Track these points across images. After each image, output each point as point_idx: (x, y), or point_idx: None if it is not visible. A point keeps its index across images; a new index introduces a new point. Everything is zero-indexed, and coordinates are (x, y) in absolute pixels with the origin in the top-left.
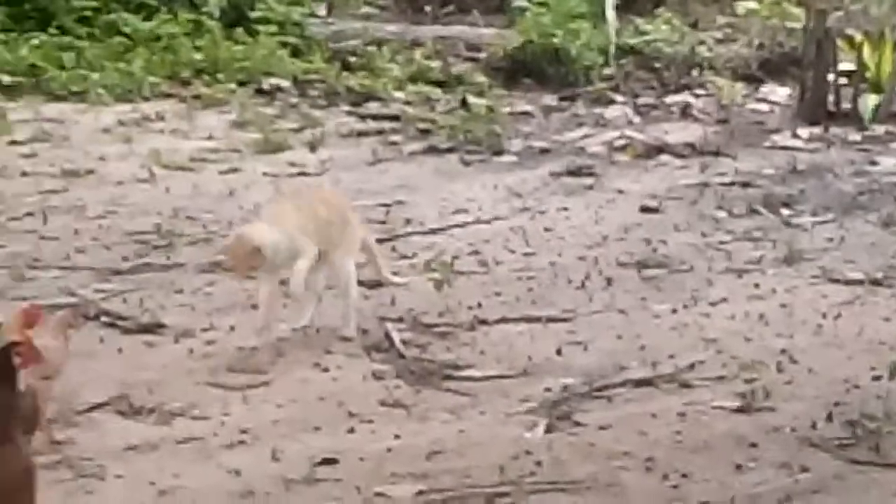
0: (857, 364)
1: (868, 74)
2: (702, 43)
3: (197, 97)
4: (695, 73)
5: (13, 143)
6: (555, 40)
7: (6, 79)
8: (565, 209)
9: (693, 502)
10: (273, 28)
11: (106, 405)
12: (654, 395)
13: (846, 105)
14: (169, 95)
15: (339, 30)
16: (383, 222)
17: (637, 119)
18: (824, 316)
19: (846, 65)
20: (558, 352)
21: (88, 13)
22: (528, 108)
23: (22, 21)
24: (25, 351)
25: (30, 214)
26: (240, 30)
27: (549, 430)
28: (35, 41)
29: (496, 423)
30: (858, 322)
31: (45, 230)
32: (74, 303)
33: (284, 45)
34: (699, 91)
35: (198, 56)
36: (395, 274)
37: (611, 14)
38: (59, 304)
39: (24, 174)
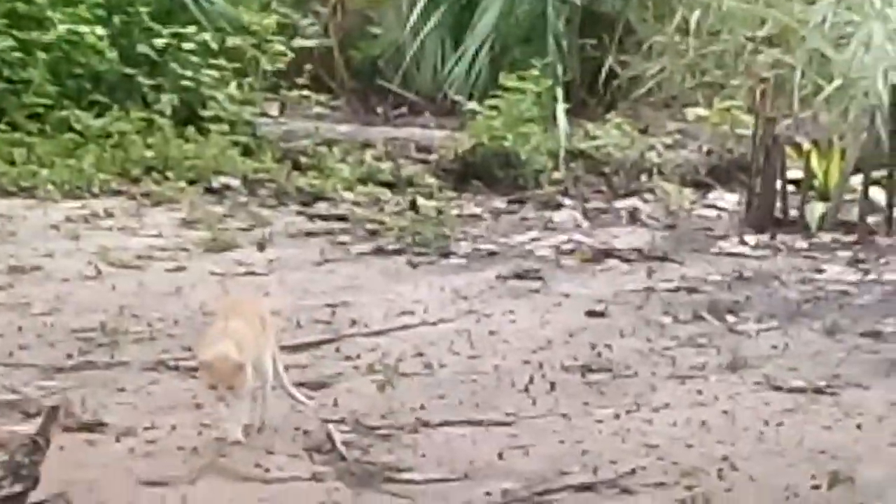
0: (797, 472)
1: (815, 182)
2: (651, 148)
3: (146, 195)
4: (644, 177)
5: None
6: (505, 143)
7: None
8: (511, 312)
9: None
10: (224, 127)
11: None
12: (595, 501)
13: (794, 212)
14: (118, 192)
15: (290, 130)
16: (329, 322)
17: (585, 223)
18: (766, 423)
19: (794, 172)
20: (500, 456)
21: (40, 109)
22: (477, 210)
23: None
24: None
25: None
26: (191, 128)
27: None
28: None
29: None
30: (800, 430)
31: None
32: (17, 400)
33: (235, 143)
34: (648, 196)
35: (148, 153)
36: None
37: (561, 118)
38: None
39: None
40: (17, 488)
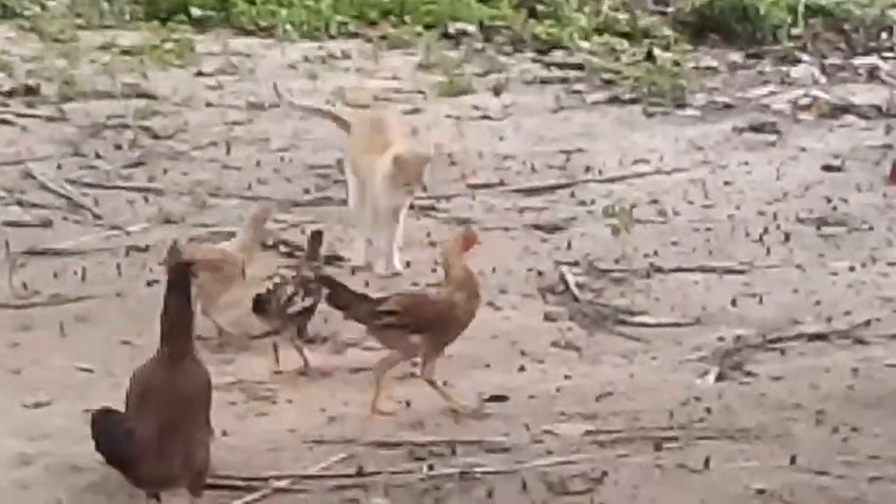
0: None
1: None
2: (893, 6)
3: (383, 38)
4: (884, 35)
5: (200, 74)
6: None
7: (196, 11)
8: (746, 164)
9: (862, 456)
10: None
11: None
12: (828, 350)
13: None
14: (355, 35)
15: None
16: (563, 168)
17: (823, 79)
18: None
19: None
20: (733, 303)
21: None
22: (713, 63)
23: None
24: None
25: (213, 144)
26: None
27: (720, 378)
28: None
29: (667, 368)
30: None
31: (228, 160)
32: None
33: None
34: (887, 54)
35: None
36: None
37: None
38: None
39: (210, 105)
40: (308, 302)
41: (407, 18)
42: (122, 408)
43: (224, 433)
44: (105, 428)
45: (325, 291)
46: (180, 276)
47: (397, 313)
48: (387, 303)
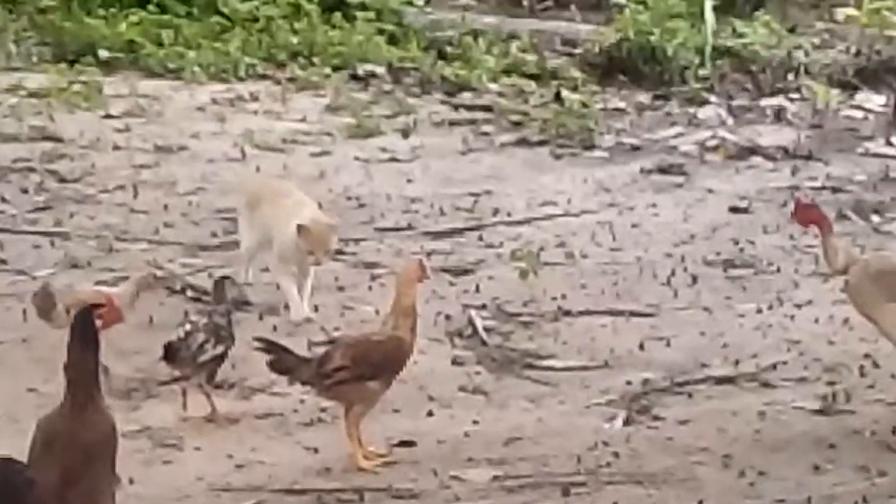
0: None
1: None
2: (799, 47)
3: (292, 80)
4: (790, 77)
5: (107, 116)
6: (651, 39)
7: (104, 53)
8: (654, 206)
9: (769, 500)
10: (371, 14)
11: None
12: (735, 394)
13: None
14: (264, 77)
15: (436, 19)
16: (471, 211)
17: (730, 120)
18: None
19: None
20: (641, 346)
21: None
22: (621, 105)
23: None
24: (107, 313)
25: (121, 188)
26: (338, 15)
27: (627, 422)
28: (134, 17)
29: (575, 413)
30: None
31: (136, 204)
32: (161, 276)
33: (381, 31)
34: (794, 95)
35: (294, 39)
36: None
37: (709, 15)
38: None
39: (117, 148)
40: (220, 349)
41: (315, 60)
42: (26, 456)
43: (130, 481)
44: (4, 477)
45: (266, 358)
46: (84, 322)
47: (347, 367)
48: (332, 359)
